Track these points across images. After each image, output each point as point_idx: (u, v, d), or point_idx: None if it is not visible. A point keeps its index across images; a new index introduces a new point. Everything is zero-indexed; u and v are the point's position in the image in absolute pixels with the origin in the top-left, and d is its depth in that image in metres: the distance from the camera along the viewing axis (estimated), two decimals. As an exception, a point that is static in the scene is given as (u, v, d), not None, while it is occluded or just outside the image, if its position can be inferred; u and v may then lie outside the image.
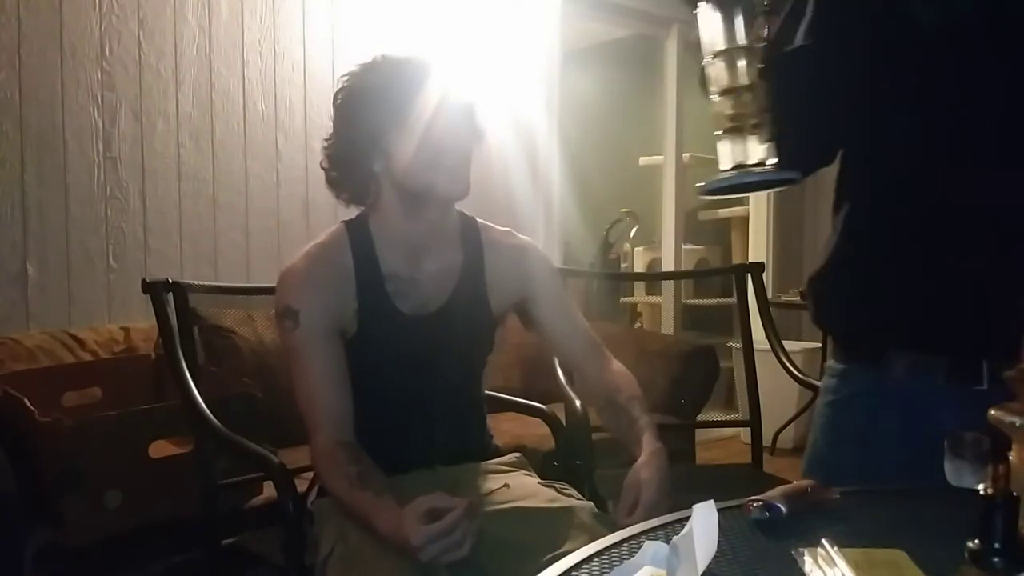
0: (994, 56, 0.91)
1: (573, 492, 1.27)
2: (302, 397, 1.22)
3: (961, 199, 0.94)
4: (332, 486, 1.16)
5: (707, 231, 4.90)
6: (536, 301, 1.34)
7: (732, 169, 0.74)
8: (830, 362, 1.11)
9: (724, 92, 0.75)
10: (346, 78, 1.26)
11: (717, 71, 0.75)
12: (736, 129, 0.74)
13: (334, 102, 1.27)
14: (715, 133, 0.75)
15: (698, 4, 0.77)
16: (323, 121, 2.77)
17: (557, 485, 1.28)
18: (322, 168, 1.30)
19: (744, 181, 0.75)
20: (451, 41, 2.94)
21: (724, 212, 4.79)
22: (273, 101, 2.68)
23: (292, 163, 2.72)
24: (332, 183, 1.29)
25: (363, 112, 1.22)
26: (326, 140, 1.29)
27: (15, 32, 2.21)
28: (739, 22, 0.75)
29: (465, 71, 1.32)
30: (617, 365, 1.34)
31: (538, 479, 1.32)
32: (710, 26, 0.76)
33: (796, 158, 1.01)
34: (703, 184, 0.77)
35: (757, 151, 0.74)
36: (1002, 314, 0.92)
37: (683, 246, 4.21)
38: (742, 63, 0.74)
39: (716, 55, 0.75)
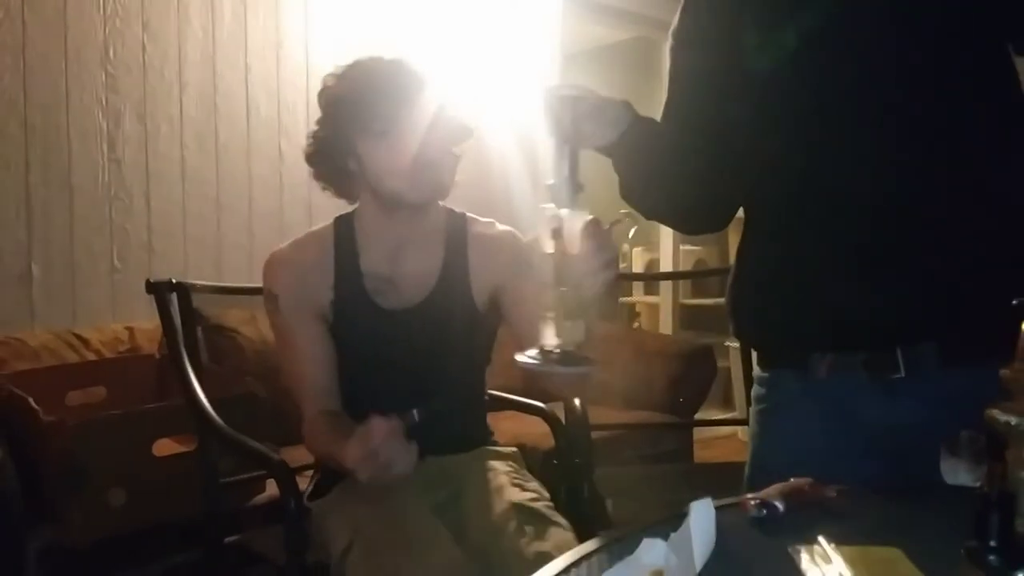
0: (832, 76, 0.97)
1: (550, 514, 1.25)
2: (288, 373, 1.30)
3: (848, 206, 0.97)
4: (313, 449, 1.25)
5: (706, 232, 4.92)
6: (506, 289, 1.32)
7: (538, 354, 0.83)
8: (756, 371, 1.13)
9: (544, 286, 0.85)
10: (328, 79, 1.29)
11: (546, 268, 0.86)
12: (547, 318, 0.84)
13: (318, 100, 1.30)
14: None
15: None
16: (325, 123, 2.78)
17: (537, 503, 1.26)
18: (306, 162, 1.33)
19: (543, 370, 0.84)
20: (453, 44, 2.95)
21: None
22: (276, 104, 2.69)
23: (295, 166, 2.72)
24: (316, 177, 1.34)
25: (337, 115, 1.26)
26: (308, 136, 1.32)
27: (20, 35, 2.22)
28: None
29: (452, 72, 1.32)
30: None
31: (531, 479, 1.33)
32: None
33: (696, 220, 1.16)
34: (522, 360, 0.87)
35: (552, 342, 0.83)
36: (906, 303, 0.95)
37: (681, 247, 4.22)
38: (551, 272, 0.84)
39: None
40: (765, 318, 1.08)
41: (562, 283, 0.83)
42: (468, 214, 1.38)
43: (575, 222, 0.84)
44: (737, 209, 1.15)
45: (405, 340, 1.25)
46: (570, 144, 0.87)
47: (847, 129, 0.97)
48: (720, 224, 1.17)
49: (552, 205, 0.85)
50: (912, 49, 0.94)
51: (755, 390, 1.13)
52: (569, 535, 1.17)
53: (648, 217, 1.12)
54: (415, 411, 1.07)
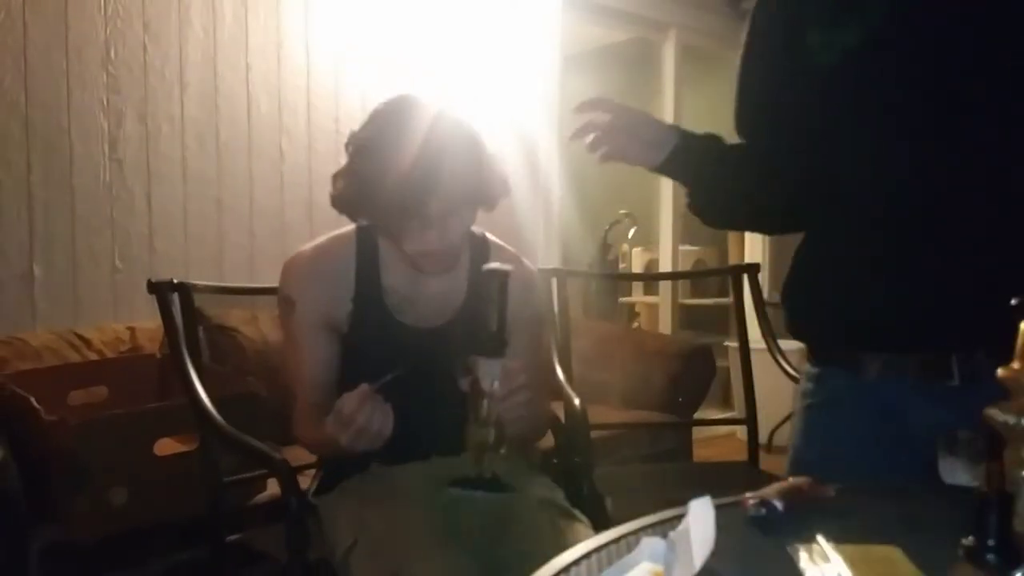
0: (893, 73, 0.97)
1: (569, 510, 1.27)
2: (290, 372, 1.32)
3: (909, 204, 0.97)
4: (300, 433, 1.27)
5: (704, 232, 4.89)
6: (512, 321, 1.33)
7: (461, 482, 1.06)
8: (806, 366, 1.12)
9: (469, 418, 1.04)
10: (356, 133, 1.25)
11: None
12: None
13: (345, 148, 1.26)
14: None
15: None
16: (326, 124, 2.79)
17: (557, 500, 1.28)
18: (333, 205, 1.28)
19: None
20: (452, 45, 2.96)
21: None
22: (277, 104, 2.69)
23: (296, 166, 2.73)
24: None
25: (361, 189, 1.22)
26: (333, 181, 1.27)
27: (21, 35, 2.23)
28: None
29: (478, 121, 1.27)
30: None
31: (544, 476, 1.34)
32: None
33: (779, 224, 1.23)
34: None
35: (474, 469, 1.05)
36: (966, 310, 0.95)
37: (680, 247, 4.22)
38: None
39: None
40: (821, 314, 1.07)
41: (475, 419, 1.02)
42: (490, 239, 1.38)
43: (494, 368, 1.02)
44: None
45: (415, 356, 1.26)
46: (498, 306, 1.03)
47: (897, 132, 0.97)
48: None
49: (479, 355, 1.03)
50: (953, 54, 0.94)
51: (802, 385, 1.12)
52: (589, 528, 1.19)
53: (723, 228, 1.16)
54: (388, 375, 1.12)
